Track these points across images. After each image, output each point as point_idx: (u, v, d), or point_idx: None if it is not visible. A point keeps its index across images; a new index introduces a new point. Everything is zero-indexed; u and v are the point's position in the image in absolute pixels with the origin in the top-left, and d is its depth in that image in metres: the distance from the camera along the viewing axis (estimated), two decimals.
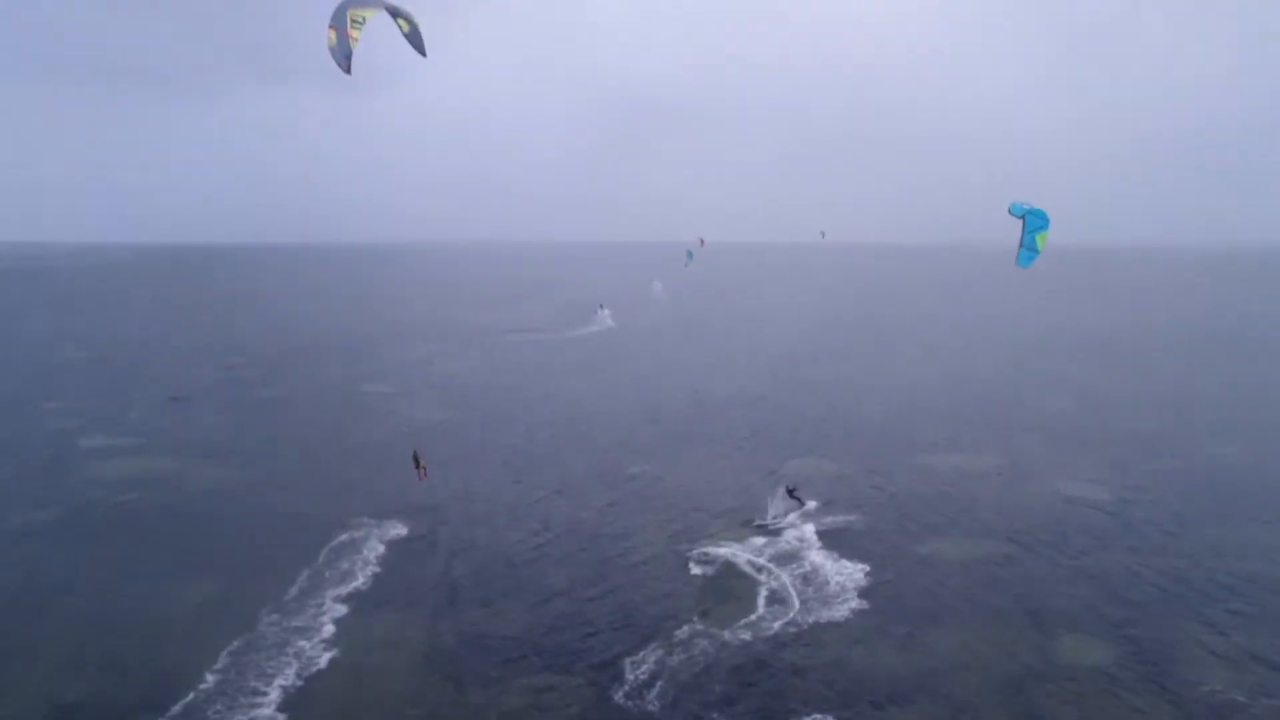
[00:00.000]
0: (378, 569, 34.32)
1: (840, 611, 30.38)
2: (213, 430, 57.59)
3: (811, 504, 41.44)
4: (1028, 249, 32.27)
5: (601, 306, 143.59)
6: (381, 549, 36.27)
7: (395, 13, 27.03)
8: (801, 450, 51.72)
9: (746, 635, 28.65)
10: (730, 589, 32.44)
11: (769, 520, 39.09)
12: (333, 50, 26.41)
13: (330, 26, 26.70)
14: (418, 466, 35.21)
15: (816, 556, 35.21)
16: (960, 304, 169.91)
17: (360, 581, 33.19)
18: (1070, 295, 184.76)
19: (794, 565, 34.32)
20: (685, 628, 29.21)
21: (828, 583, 32.67)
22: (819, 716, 24.35)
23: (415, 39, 27.39)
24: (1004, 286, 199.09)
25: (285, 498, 43.33)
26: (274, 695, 25.47)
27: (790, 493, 41.23)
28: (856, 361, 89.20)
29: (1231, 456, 51.05)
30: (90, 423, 59.15)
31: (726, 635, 28.68)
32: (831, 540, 36.99)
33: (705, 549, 36.12)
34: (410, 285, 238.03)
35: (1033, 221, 32.29)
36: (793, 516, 39.79)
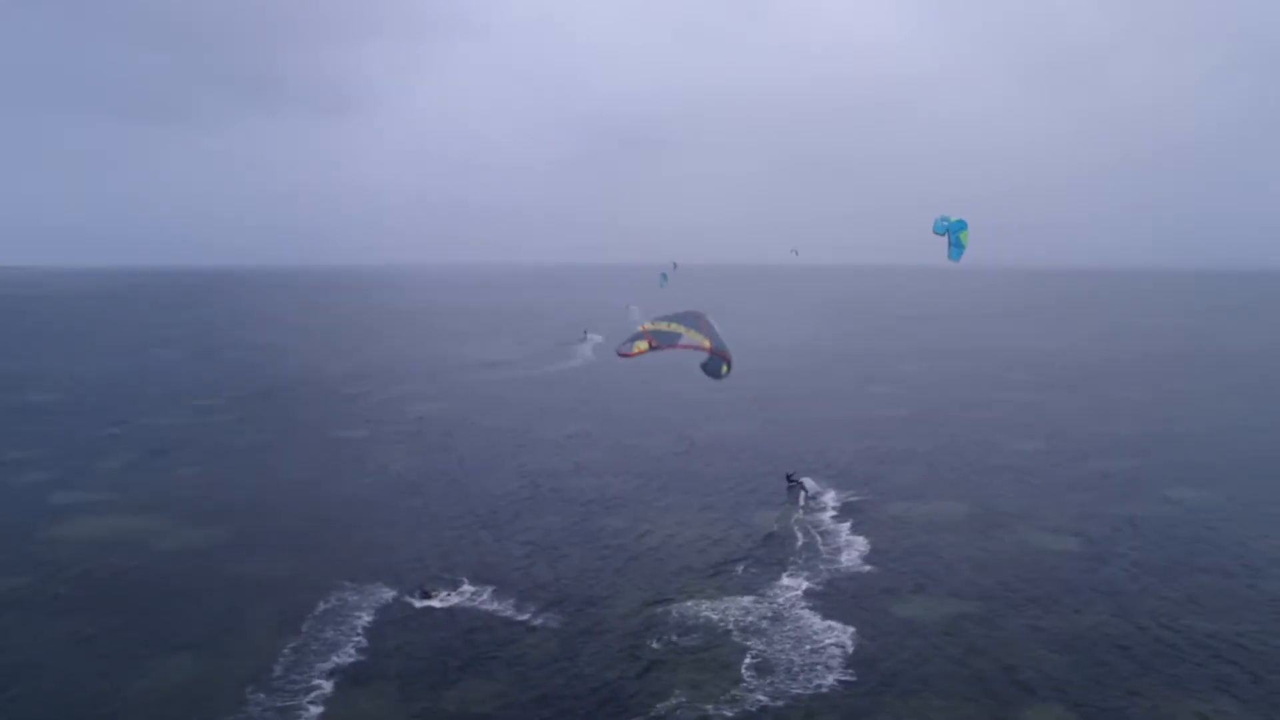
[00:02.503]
0: (363, 640, 33.93)
1: (827, 680, 30.62)
2: (186, 485, 56.59)
3: (811, 483, 50.54)
4: (956, 246, 42.63)
5: (586, 333, 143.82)
6: (366, 617, 35.88)
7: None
8: (782, 499, 52.16)
9: (729, 711, 28.77)
10: (715, 657, 32.48)
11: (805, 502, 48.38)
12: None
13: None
14: (427, 596, 36.82)
15: (802, 618, 35.48)
16: (936, 328, 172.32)
17: (347, 654, 32.78)
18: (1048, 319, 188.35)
19: (779, 628, 34.55)
20: (667, 702, 29.26)
21: (814, 649, 32.93)
22: None
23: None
24: (981, 309, 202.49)
25: (263, 560, 42.61)
26: None
27: (790, 478, 47.13)
28: (832, 395, 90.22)
29: (1198, 501, 52.21)
30: (58, 476, 58.04)
31: (710, 710, 28.78)
32: (817, 599, 37.32)
33: (689, 611, 36.22)
34: (386, 314, 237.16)
35: (956, 227, 42.56)
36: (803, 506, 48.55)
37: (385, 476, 56.53)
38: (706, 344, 38.06)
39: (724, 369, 39.00)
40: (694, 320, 39.07)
